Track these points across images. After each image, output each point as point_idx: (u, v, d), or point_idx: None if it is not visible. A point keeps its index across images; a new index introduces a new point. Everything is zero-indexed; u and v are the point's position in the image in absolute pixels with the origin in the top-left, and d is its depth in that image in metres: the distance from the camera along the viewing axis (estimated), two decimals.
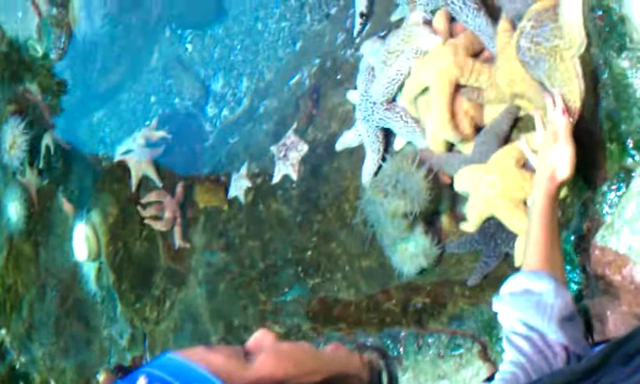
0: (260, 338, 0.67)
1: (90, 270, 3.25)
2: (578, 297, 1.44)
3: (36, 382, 3.68)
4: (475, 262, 1.77)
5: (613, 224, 1.39)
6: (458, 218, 1.91)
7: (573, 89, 1.53)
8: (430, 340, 1.75)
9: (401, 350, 1.80)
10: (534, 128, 1.72)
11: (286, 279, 2.36)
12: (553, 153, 1.33)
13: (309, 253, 2.29)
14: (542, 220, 1.19)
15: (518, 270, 1.54)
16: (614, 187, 1.41)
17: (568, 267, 1.48)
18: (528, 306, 1.00)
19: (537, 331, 0.96)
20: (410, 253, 1.94)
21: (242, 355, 0.63)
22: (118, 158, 3.06)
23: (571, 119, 1.40)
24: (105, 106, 3.33)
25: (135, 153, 2.98)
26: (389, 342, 1.83)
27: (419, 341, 1.76)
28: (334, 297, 2.16)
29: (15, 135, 3.65)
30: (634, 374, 0.56)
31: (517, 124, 1.79)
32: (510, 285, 1.08)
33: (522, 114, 1.78)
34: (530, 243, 1.17)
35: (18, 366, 3.87)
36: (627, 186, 1.38)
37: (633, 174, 1.38)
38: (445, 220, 1.95)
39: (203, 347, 0.61)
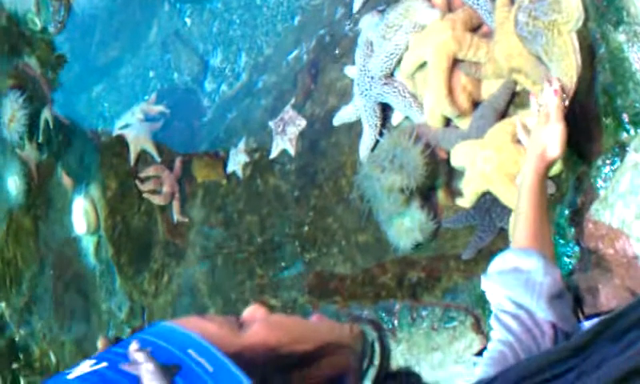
0: (253, 310, 0.68)
1: (88, 243, 3.26)
2: (572, 270, 1.45)
3: (35, 354, 3.71)
4: (470, 236, 1.78)
5: (607, 198, 1.39)
6: (454, 193, 1.91)
7: (569, 63, 1.52)
8: (424, 313, 1.76)
9: (395, 322, 1.82)
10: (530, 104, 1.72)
11: (283, 254, 2.38)
12: (544, 132, 1.32)
13: (306, 227, 2.30)
14: (531, 197, 1.18)
15: None
16: (608, 161, 1.42)
17: (561, 241, 1.49)
18: (517, 284, 1.00)
19: (525, 309, 0.96)
20: (406, 227, 1.95)
21: (235, 324, 0.64)
22: (116, 132, 3.06)
23: (565, 100, 1.39)
24: (103, 80, 3.33)
25: (134, 127, 2.99)
26: (383, 314, 1.85)
27: (413, 313, 1.77)
28: (330, 271, 2.18)
29: (14, 109, 3.65)
30: (624, 351, 0.56)
31: (514, 99, 1.79)
32: (499, 262, 1.07)
33: (518, 89, 1.78)
34: (519, 220, 1.17)
35: (17, 339, 3.90)
36: (622, 161, 1.39)
37: (627, 149, 1.39)
38: (441, 195, 1.96)
39: (197, 316, 0.61)
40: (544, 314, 0.95)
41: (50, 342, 3.65)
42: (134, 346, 0.52)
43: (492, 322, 0.99)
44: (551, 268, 1.03)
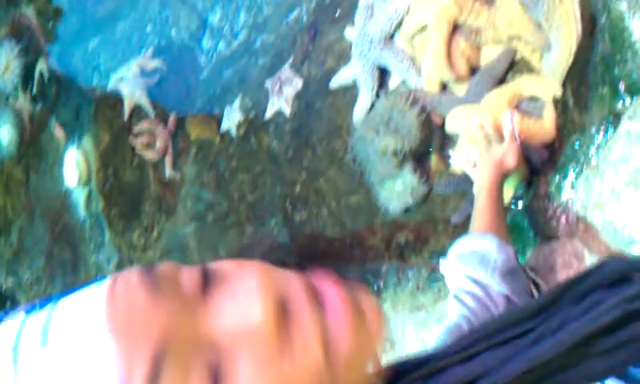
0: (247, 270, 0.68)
1: (79, 196, 3.25)
2: (558, 235, 1.47)
3: (22, 303, 3.72)
4: (460, 201, 1.79)
5: (598, 166, 1.40)
6: (448, 158, 1.92)
7: (570, 31, 1.53)
8: (410, 273, 1.78)
9: (381, 283, 1.83)
10: (528, 71, 1.72)
11: (273, 213, 2.38)
12: (501, 147, 1.49)
13: (297, 188, 2.31)
14: (488, 197, 1.27)
15: None
16: (602, 130, 1.43)
17: (551, 207, 1.50)
18: (472, 262, 1.04)
19: (480, 284, 0.99)
20: (398, 191, 1.95)
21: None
22: (111, 85, 3.04)
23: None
24: (100, 33, 3.29)
25: (129, 81, 2.96)
26: (370, 276, 1.86)
27: (399, 274, 1.79)
28: (320, 232, 2.19)
29: (9, 59, 3.61)
30: (586, 312, 0.56)
31: (512, 67, 1.79)
32: (457, 247, 1.12)
33: (517, 56, 1.78)
34: (477, 216, 1.24)
35: (4, 288, 3.90)
36: (615, 129, 1.39)
37: (622, 118, 1.39)
38: (434, 160, 1.96)
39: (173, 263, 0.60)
40: (498, 287, 0.99)
41: (37, 292, 3.66)
42: (107, 281, 0.50)
43: (449, 302, 1.01)
44: (505, 247, 1.08)
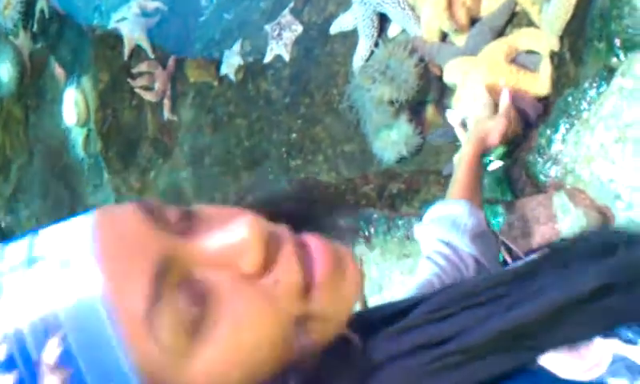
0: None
1: (78, 135, 3.26)
2: (546, 188, 1.48)
3: None
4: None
5: (589, 120, 1.41)
6: (444, 109, 1.92)
7: None
8: (399, 222, 1.80)
9: (372, 230, 1.85)
10: (528, 24, 1.71)
11: (268, 159, 2.39)
12: (490, 121, 1.49)
13: (293, 135, 2.31)
14: (466, 169, 1.28)
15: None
16: (595, 85, 1.43)
17: (540, 160, 1.51)
18: (444, 225, 1.07)
19: (451, 246, 1.02)
20: (392, 140, 1.96)
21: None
22: (112, 25, 3.02)
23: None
24: None
25: (129, 21, 2.94)
26: (362, 222, 1.88)
27: (390, 223, 1.81)
28: (315, 179, 2.20)
29: None
30: (567, 280, 0.54)
31: (511, 19, 1.78)
32: (431, 212, 1.14)
33: (517, 9, 1.77)
34: (453, 185, 1.26)
35: (3, 226, 3.95)
36: (608, 84, 1.39)
37: (615, 73, 1.39)
38: (430, 111, 1.96)
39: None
40: (468, 248, 1.02)
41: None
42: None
43: (420, 263, 1.03)
44: (476, 211, 1.11)
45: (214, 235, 0.48)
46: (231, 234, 0.47)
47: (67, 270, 0.43)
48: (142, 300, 0.43)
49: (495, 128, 1.44)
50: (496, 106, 1.62)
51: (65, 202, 3.47)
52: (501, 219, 1.55)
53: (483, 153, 1.40)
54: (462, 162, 1.32)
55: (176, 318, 0.43)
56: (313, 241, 0.51)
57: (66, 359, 0.41)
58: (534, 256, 0.62)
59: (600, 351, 0.53)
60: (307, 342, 0.49)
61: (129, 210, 0.47)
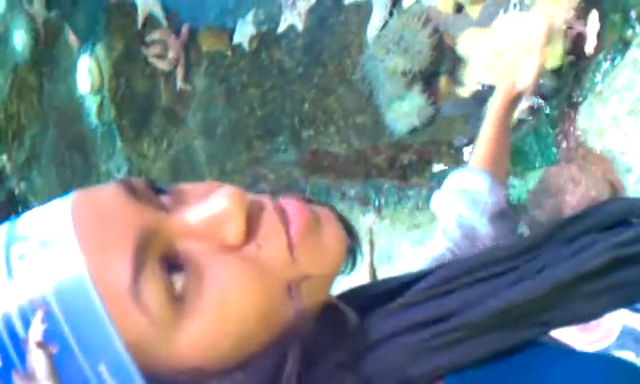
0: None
1: (91, 103, 3.28)
2: (557, 160, 1.49)
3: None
4: (465, 125, 1.81)
5: (602, 92, 1.41)
6: (457, 81, 1.92)
7: None
8: (410, 193, 1.81)
9: (382, 200, 1.87)
10: None
11: (281, 128, 2.40)
12: (521, 62, 1.31)
13: (306, 105, 2.32)
14: (495, 123, 1.19)
15: None
16: (609, 57, 1.42)
17: (550, 131, 1.52)
18: (464, 203, 1.03)
19: (468, 226, 1.00)
20: (405, 111, 1.97)
21: None
22: None
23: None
24: None
25: None
26: (372, 192, 1.90)
27: (400, 193, 1.82)
28: (326, 149, 2.21)
29: None
30: (575, 255, 0.53)
31: None
32: (451, 181, 1.10)
33: None
34: (480, 143, 1.18)
35: (17, 193, 3.99)
36: (622, 57, 1.39)
37: (630, 46, 1.39)
38: (443, 82, 1.96)
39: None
40: (485, 229, 1.00)
41: (48, 198, 3.74)
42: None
43: (436, 235, 1.02)
44: (497, 188, 1.07)
45: (196, 207, 0.47)
46: (213, 205, 0.47)
47: (49, 249, 0.43)
48: (126, 273, 0.42)
49: (528, 68, 1.28)
50: None
51: (79, 170, 3.50)
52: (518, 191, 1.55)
53: (514, 101, 1.28)
54: (489, 115, 1.22)
55: (160, 289, 0.43)
56: (289, 203, 0.50)
57: (52, 336, 0.41)
58: (543, 229, 0.60)
59: (610, 321, 0.53)
60: (299, 306, 0.48)
61: (110, 188, 0.47)
